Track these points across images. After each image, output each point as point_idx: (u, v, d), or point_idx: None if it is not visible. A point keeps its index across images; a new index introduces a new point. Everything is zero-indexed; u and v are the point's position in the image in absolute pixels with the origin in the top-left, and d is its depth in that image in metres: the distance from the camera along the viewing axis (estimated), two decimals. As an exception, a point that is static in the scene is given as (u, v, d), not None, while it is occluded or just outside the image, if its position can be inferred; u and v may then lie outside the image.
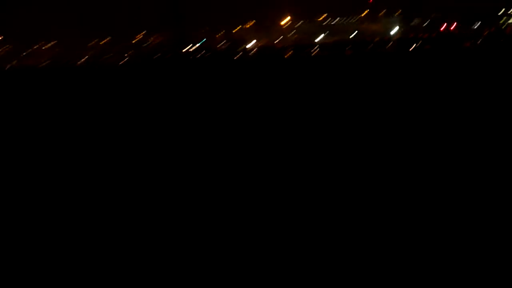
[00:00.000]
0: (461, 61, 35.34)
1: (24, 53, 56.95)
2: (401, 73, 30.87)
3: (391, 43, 45.73)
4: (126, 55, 52.98)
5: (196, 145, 14.24)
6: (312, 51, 47.73)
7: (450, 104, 18.23)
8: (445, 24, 46.02)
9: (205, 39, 52.42)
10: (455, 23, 45.99)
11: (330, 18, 51.64)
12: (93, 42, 57.43)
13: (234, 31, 53.50)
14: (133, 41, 55.43)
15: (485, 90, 20.91)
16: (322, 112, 18.82)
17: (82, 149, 14.64)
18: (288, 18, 52.25)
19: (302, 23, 52.43)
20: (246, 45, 53.05)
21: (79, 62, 53.92)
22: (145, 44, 53.81)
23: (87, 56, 55.82)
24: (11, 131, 19.00)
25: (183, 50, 51.29)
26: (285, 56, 49.55)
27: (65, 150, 14.35)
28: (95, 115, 22.17)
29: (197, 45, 51.40)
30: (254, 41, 52.12)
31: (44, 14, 56.37)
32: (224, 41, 53.37)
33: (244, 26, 52.99)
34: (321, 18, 52.29)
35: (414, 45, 43.94)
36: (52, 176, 12.13)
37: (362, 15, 50.62)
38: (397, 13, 48.89)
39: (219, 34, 53.31)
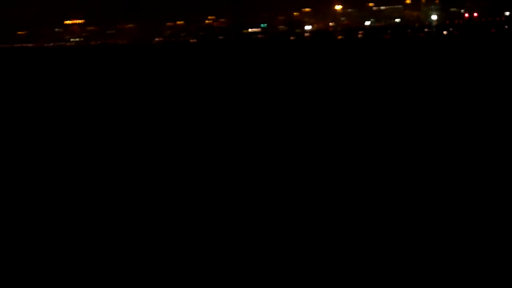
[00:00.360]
0: (486, 44, 37.61)
1: (107, 32, 61.66)
2: (432, 55, 33.32)
3: (426, 28, 48.88)
4: (197, 35, 57.26)
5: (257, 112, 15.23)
6: (359, 34, 51.25)
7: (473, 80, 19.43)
8: (469, 13, 48.67)
9: (266, 23, 56.25)
10: (477, 13, 48.74)
11: (376, 6, 54.94)
12: (169, 24, 62.06)
13: (291, 16, 57.33)
14: (203, 24, 59.73)
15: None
16: (365, 85, 20.75)
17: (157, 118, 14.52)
18: (340, 5, 56.00)
19: (353, 9, 56.05)
20: (303, 28, 56.89)
21: (155, 40, 58.56)
22: (213, 26, 57.90)
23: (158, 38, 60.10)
24: (95, 100, 20.42)
25: (244, 32, 55.21)
26: (338, 38, 52.89)
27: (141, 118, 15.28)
28: (169, 87, 24.02)
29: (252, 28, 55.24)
30: (309, 26, 55.86)
31: None
32: (283, 24, 57.30)
33: (301, 12, 56.75)
34: (370, 5, 55.80)
35: (446, 31, 46.79)
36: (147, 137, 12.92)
37: (407, 1, 53.90)
38: (436, 1, 51.87)
39: (279, 18, 57.17)
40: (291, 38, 52.75)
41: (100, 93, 22.70)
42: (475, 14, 48.84)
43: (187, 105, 17.95)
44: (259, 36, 54.14)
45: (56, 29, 64.58)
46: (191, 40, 56.17)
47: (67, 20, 66.66)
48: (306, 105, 16.14)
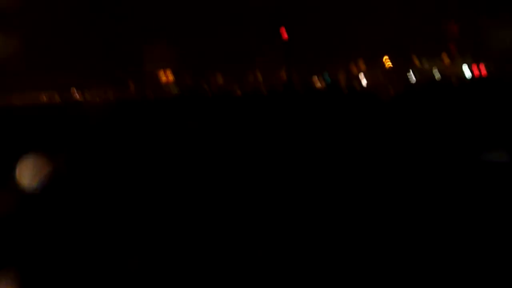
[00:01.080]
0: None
1: (194, 83, 69.10)
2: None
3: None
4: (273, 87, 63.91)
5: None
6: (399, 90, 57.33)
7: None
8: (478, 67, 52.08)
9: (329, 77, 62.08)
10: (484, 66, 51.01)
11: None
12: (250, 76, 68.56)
13: (349, 68, 63.56)
14: (280, 75, 65.69)
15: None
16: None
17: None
18: (386, 58, 62.05)
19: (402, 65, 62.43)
20: (360, 81, 63.00)
21: (236, 93, 65.81)
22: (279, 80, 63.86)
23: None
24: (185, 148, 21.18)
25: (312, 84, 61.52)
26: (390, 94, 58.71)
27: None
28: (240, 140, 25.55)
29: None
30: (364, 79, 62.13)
31: (209, 47, 67.20)
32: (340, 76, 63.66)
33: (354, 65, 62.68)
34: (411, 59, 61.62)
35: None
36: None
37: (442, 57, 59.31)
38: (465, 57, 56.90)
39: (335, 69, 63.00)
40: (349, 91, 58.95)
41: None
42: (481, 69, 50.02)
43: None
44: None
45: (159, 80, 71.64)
46: (265, 93, 62.78)
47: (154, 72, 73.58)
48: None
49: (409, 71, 59.97)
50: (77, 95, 70.80)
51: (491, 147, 17.57)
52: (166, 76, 72.87)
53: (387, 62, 61.37)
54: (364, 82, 61.26)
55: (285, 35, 62.00)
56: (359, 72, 61.90)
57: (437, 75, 58.86)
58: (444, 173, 14.21)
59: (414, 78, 59.25)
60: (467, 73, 55.53)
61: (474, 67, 55.20)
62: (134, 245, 8.61)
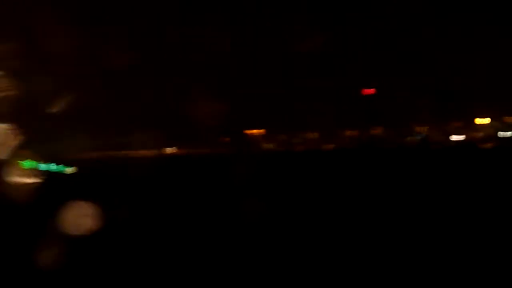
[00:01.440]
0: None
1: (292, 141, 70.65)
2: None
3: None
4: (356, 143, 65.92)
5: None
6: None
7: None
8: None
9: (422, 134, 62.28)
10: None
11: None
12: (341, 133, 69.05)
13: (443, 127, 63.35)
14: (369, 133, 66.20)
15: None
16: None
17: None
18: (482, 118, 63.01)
19: (491, 122, 63.62)
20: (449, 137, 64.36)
21: (326, 148, 67.72)
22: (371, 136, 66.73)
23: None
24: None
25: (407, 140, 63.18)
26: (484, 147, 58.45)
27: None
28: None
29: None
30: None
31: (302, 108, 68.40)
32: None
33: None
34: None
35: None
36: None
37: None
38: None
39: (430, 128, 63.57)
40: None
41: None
42: None
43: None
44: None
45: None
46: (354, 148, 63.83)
47: (247, 129, 74.03)
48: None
49: (500, 130, 59.82)
50: (170, 151, 73.04)
51: None
52: (259, 133, 73.91)
53: (479, 121, 61.24)
54: (455, 138, 61.18)
55: (369, 92, 62.63)
56: (450, 130, 61.91)
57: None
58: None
59: (505, 135, 58.98)
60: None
61: None
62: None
